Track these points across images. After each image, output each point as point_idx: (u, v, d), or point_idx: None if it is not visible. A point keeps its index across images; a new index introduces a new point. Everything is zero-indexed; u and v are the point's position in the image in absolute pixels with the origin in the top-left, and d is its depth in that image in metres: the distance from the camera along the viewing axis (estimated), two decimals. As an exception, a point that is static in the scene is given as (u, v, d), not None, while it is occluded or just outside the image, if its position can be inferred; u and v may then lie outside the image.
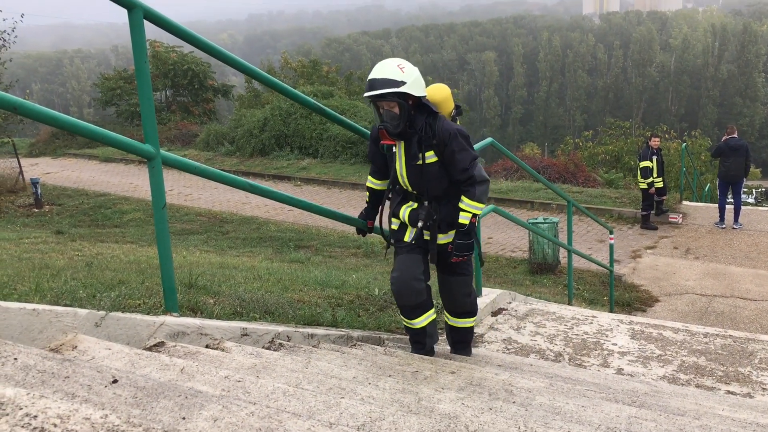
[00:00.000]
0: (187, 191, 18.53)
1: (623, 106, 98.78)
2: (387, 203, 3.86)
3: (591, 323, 5.33)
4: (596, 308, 8.54)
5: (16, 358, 1.81)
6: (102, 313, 2.38)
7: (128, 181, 20.17)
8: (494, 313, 5.41)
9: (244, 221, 14.46)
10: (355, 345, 3.58)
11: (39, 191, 16.57)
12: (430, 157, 3.42)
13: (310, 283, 5.89)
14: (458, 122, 3.68)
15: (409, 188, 3.56)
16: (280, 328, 3.23)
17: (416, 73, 3.37)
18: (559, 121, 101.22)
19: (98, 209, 16.30)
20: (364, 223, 3.89)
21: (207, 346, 2.75)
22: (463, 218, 3.46)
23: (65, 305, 2.51)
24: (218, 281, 5.27)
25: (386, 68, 3.30)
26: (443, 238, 3.58)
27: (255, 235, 13.09)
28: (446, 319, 4.01)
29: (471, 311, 3.93)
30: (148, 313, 2.69)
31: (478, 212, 3.49)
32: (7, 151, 20.23)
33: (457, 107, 3.69)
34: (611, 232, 9.76)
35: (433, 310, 3.69)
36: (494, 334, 4.90)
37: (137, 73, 2.59)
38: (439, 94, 3.60)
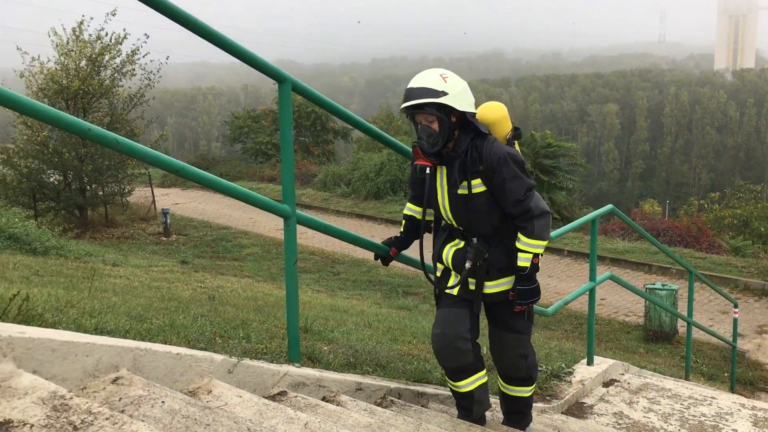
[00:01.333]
0: (302, 229, 19.12)
1: (755, 167, 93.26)
2: (428, 237, 3.33)
3: (710, 405, 5.07)
4: (715, 385, 8.07)
5: (163, 401, 2.00)
6: (234, 360, 2.57)
7: (248, 216, 21.11)
8: (605, 384, 5.25)
9: (354, 263, 14.79)
10: (462, 407, 3.60)
11: (168, 221, 17.70)
12: (477, 186, 2.93)
13: (418, 335, 5.96)
14: (516, 146, 3.14)
15: (454, 223, 3.08)
16: (392, 385, 3.32)
17: (462, 84, 2.91)
18: (682, 178, 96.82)
19: (219, 242, 17.19)
20: (386, 249, 3.35)
21: (324, 398, 2.88)
22: (523, 260, 2.95)
23: (201, 348, 2.72)
24: (331, 327, 5.45)
25: (426, 77, 2.88)
26: (492, 287, 3.06)
27: (365, 278, 13.36)
28: (499, 385, 3.38)
29: (528, 378, 3.28)
30: (272, 361, 2.87)
31: (539, 251, 2.96)
32: (143, 180, 21.78)
33: (515, 129, 3.11)
34: (736, 306, 9.23)
35: (483, 372, 3.18)
36: (605, 407, 4.77)
37: (282, 138, 2.82)
38: (493, 114, 3.05)
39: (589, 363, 5.32)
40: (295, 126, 31.20)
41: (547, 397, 4.64)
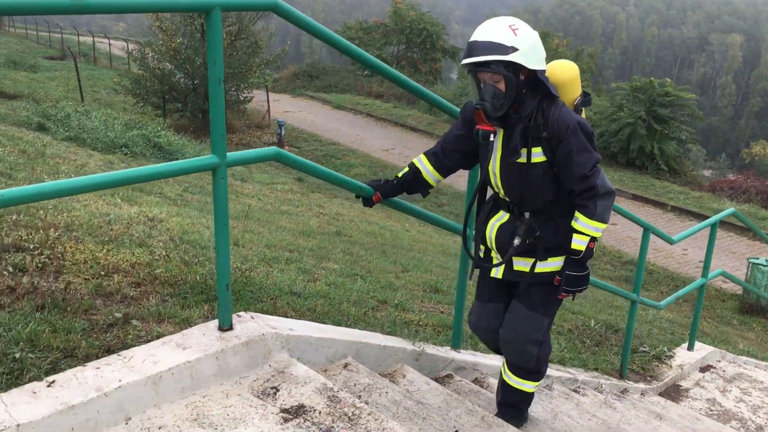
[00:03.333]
0: (407, 152, 19.76)
1: None
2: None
3: (798, 402, 5.53)
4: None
5: (387, 392, 2.74)
6: (419, 350, 3.30)
7: (355, 132, 21.82)
8: (702, 369, 5.79)
9: (458, 196, 15.32)
10: (579, 389, 4.26)
11: (283, 133, 18.64)
12: (537, 155, 2.63)
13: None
14: (583, 114, 2.83)
15: (501, 192, 2.79)
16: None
17: (533, 37, 2.53)
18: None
19: (329, 158, 18.07)
20: (370, 192, 2.95)
21: (476, 379, 3.61)
22: (578, 242, 2.65)
23: (389, 333, 3.47)
24: (451, 281, 6.19)
25: (493, 29, 2.50)
26: (540, 266, 2.77)
27: (468, 212, 13.94)
28: (502, 371, 3.09)
29: (535, 371, 2.97)
30: (440, 345, 3.60)
31: (597, 234, 2.64)
32: (258, 84, 22.55)
33: (584, 94, 2.81)
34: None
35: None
36: (700, 392, 5.33)
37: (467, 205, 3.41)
38: (564, 73, 2.75)
39: (690, 348, 5.85)
40: (405, 41, 31.38)
41: (649, 378, 5.24)
